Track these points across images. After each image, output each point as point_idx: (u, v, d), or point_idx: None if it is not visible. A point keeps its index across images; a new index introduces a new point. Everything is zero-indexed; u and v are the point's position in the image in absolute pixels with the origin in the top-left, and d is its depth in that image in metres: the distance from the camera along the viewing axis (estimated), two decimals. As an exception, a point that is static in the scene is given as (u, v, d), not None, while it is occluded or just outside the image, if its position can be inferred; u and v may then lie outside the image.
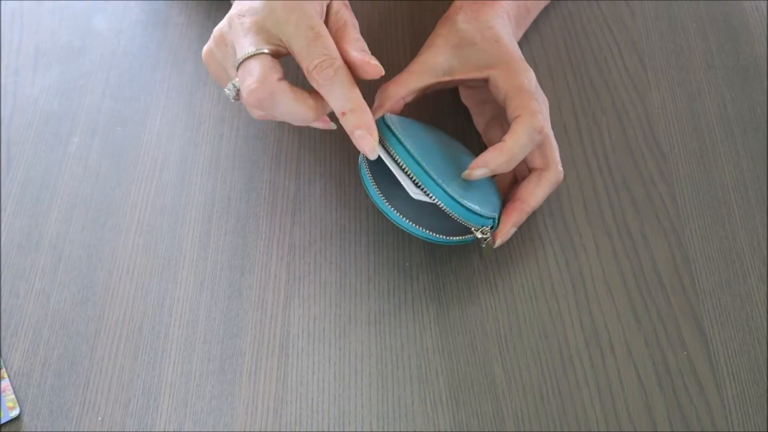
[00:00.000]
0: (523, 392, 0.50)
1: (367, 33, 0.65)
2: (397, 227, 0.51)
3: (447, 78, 0.53)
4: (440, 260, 0.55)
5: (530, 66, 0.54)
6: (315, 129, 0.60)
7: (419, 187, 0.49)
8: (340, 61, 0.47)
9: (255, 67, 0.47)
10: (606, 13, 0.67)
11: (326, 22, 0.50)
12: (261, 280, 0.54)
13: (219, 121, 0.61)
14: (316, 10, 0.48)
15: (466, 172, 0.49)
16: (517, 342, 0.52)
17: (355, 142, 0.47)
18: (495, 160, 0.49)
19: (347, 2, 0.53)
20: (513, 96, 0.51)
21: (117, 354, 0.52)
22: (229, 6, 0.68)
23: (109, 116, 0.62)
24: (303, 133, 0.60)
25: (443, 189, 0.49)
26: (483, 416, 0.49)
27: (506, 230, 0.52)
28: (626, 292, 0.53)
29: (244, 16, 0.48)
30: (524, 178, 0.54)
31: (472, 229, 0.50)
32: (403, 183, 0.49)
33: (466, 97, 0.58)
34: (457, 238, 0.51)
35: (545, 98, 0.55)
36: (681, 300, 0.53)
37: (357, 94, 0.47)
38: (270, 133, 0.61)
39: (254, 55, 0.47)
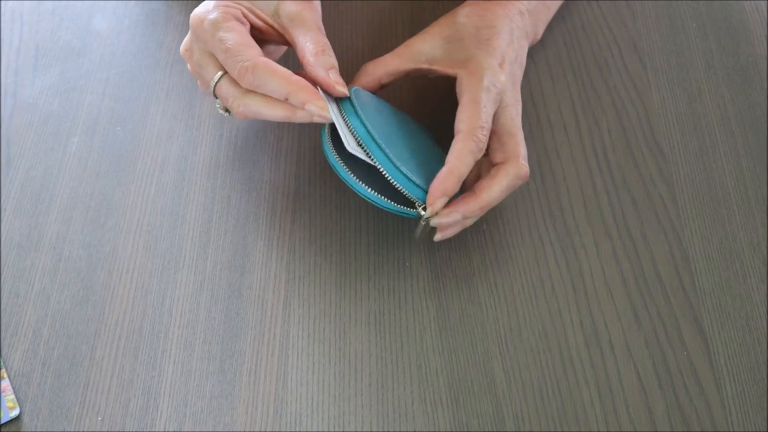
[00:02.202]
0: (523, 392, 0.50)
1: (367, 33, 0.66)
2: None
3: (426, 66, 0.54)
4: (440, 260, 0.55)
5: (530, 65, 0.54)
6: (314, 129, 0.60)
7: (360, 146, 0.50)
8: (252, 61, 0.49)
9: (222, 91, 0.52)
10: (606, 13, 0.67)
11: (275, 26, 0.53)
12: (261, 280, 0.54)
13: (219, 121, 0.61)
14: (228, 15, 0.51)
15: (429, 209, 0.49)
16: (517, 342, 0.52)
17: (309, 113, 0.50)
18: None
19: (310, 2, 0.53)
20: (464, 105, 0.51)
21: (117, 354, 0.52)
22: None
23: (109, 116, 0.62)
24: (303, 133, 0.60)
25: (384, 152, 0.50)
26: (483, 416, 0.49)
27: (448, 212, 0.50)
28: (626, 292, 0.53)
29: (187, 51, 0.53)
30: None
31: (414, 202, 0.50)
32: (343, 138, 0.50)
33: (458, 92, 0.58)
34: (399, 206, 0.50)
35: (519, 98, 0.54)
36: (681, 300, 0.53)
37: (282, 78, 0.49)
38: (270, 133, 0.61)
39: (216, 83, 0.52)
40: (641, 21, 0.66)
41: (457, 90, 0.53)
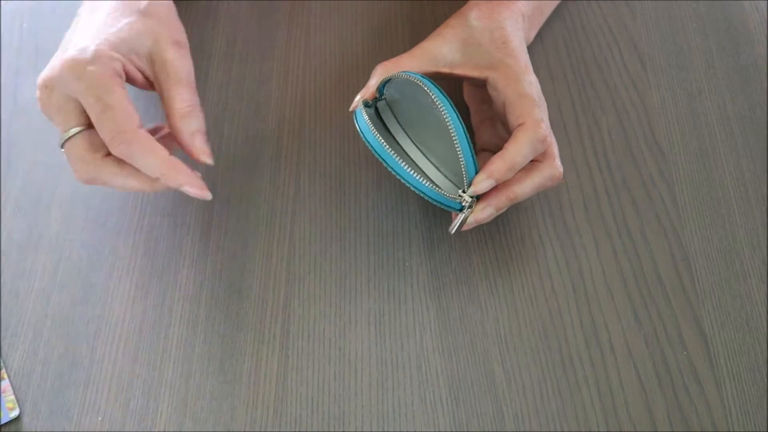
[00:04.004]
0: (523, 392, 0.50)
1: (367, 33, 0.66)
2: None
3: (446, 70, 0.53)
4: (440, 260, 0.55)
5: (531, 66, 0.54)
6: (314, 129, 0.60)
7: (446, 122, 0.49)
8: (130, 133, 0.46)
9: (72, 150, 0.48)
10: (606, 13, 0.67)
11: (149, 75, 0.50)
12: (261, 280, 0.54)
13: (219, 121, 0.61)
14: (111, 70, 0.47)
15: (472, 188, 0.49)
16: (517, 342, 0.52)
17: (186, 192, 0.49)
18: (499, 169, 0.48)
19: (182, 45, 0.51)
20: (514, 102, 0.51)
21: (117, 354, 0.52)
22: (230, 7, 0.68)
23: (109, 116, 0.62)
24: (303, 133, 0.60)
25: (461, 121, 0.49)
26: (483, 416, 0.49)
27: (482, 208, 0.50)
28: (626, 292, 0.53)
29: (47, 87, 0.47)
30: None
31: (462, 190, 0.49)
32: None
33: (468, 95, 0.58)
34: (447, 196, 0.50)
35: (544, 101, 0.55)
36: (681, 300, 0.53)
37: (159, 157, 0.47)
38: (270, 133, 0.61)
39: (69, 138, 0.48)
40: (641, 21, 0.66)
41: (493, 93, 0.52)
